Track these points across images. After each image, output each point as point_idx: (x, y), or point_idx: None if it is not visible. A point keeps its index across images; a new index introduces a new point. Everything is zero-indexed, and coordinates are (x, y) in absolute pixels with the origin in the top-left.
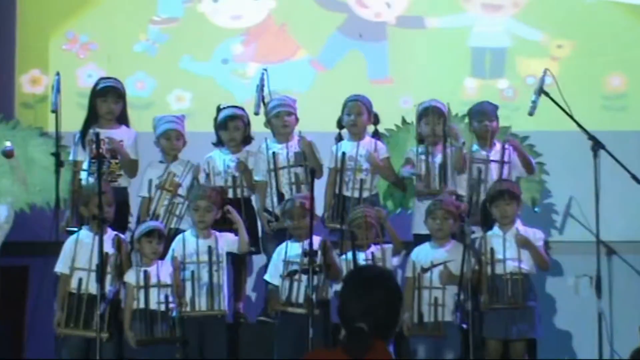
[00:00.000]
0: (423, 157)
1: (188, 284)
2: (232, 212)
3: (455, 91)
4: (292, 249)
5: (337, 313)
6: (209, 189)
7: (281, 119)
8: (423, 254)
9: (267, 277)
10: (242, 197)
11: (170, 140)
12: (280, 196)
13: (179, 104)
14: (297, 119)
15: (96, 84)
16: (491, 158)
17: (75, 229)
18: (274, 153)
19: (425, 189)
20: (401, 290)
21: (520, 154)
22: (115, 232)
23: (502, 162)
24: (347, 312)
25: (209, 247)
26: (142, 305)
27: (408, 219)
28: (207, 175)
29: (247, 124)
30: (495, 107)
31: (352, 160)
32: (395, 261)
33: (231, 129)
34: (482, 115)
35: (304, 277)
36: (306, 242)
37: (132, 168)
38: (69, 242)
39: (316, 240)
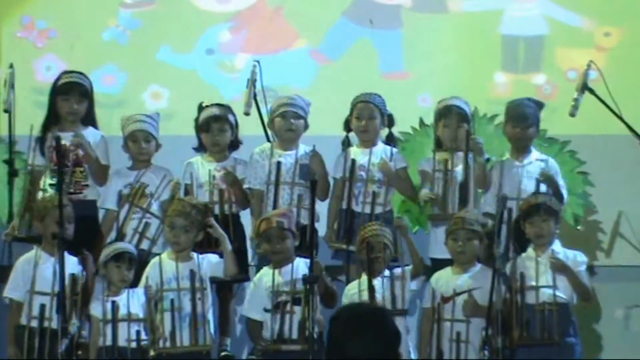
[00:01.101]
0: (439, 173)
1: (167, 316)
2: (214, 227)
3: (483, 88)
4: (276, 276)
5: (327, 354)
6: (189, 205)
7: (287, 120)
8: (444, 280)
9: (245, 312)
10: (231, 214)
11: (138, 142)
12: None
13: (156, 102)
14: (306, 125)
15: (57, 79)
16: (526, 168)
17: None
18: (278, 162)
19: (441, 214)
20: (398, 328)
21: (554, 188)
22: (77, 257)
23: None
24: (343, 353)
25: (191, 271)
26: (109, 342)
27: (426, 240)
28: (187, 187)
29: (235, 126)
30: (538, 108)
31: (363, 170)
32: (413, 285)
33: (215, 131)
34: (518, 119)
35: (297, 309)
36: (288, 268)
37: (102, 174)
38: (23, 261)
39: (302, 263)
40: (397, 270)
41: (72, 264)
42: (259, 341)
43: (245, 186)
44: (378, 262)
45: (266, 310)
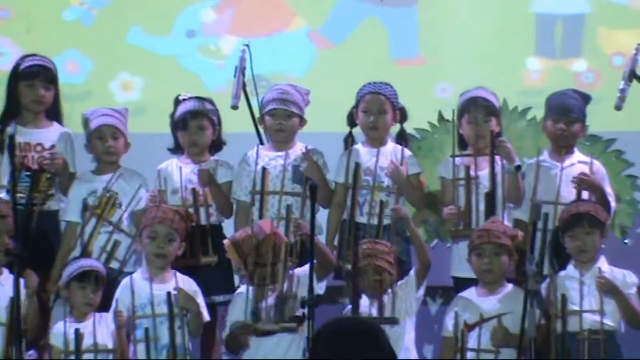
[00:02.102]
0: (461, 182)
1: (141, 347)
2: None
3: (514, 76)
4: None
5: None
6: (171, 210)
7: (276, 119)
8: (468, 304)
9: (225, 335)
10: (209, 223)
11: (104, 139)
12: None
13: (127, 94)
14: (302, 121)
15: (17, 64)
16: (566, 171)
17: None
18: (263, 169)
19: (464, 230)
20: (393, 349)
21: (597, 193)
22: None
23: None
24: None
25: (168, 293)
26: None
27: (446, 255)
28: (160, 192)
29: (218, 123)
30: (584, 100)
31: (370, 175)
32: (421, 291)
33: (193, 129)
34: (561, 112)
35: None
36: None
37: (69, 184)
38: None
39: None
40: (401, 281)
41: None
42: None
43: (232, 196)
44: (379, 286)
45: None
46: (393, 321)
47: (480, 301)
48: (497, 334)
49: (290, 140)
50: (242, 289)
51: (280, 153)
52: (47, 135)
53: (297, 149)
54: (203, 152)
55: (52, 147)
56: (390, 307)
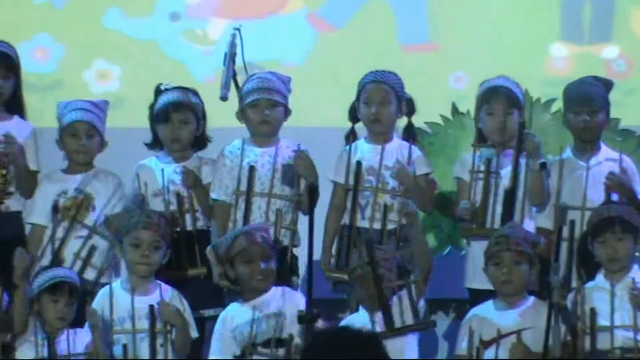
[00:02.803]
0: (480, 177)
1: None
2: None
3: (537, 64)
4: (244, 313)
5: None
6: (156, 214)
7: (259, 110)
8: (484, 318)
9: (213, 356)
10: (195, 229)
11: (78, 137)
12: None
13: (103, 84)
14: (287, 111)
15: None
16: (593, 169)
17: None
18: (251, 166)
19: (477, 228)
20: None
21: (626, 194)
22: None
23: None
24: None
25: (151, 307)
26: None
27: (461, 264)
28: (142, 196)
29: (202, 117)
30: (606, 87)
31: (373, 175)
32: (421, 303)
33: (175, 122)
34: (582, 102)
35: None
36: (260, 301)
37: (29, 183)
38: None
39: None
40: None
41: None
42: None
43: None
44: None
45: (236, 358)
46: (430, 325)
47: (498, 315)
48: (516, 351)
49: (276, 133)
50: (234, 306)
51: (266, 149)
52: (6, 129)
53: (283, 145)
54: (185, 148)
55: (8, 134)
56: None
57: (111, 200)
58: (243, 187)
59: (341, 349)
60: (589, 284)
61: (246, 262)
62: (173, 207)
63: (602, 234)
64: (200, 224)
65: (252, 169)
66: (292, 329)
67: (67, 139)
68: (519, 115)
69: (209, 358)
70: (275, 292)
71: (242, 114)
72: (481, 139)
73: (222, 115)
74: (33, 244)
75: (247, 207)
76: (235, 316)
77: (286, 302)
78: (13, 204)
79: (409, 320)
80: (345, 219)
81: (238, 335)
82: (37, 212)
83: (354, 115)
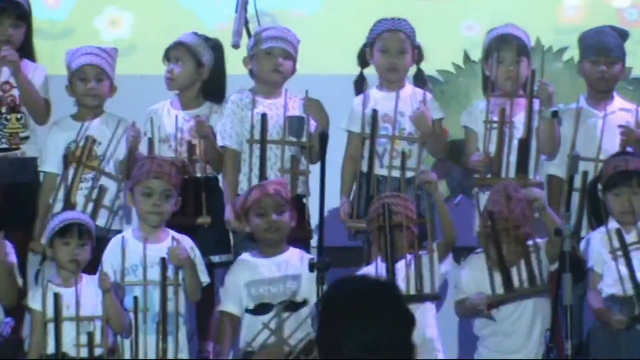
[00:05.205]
0: (494, 127)
1: (129, 317)
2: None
3: (548, 12)
4: (262, 268)
5: (321, 353)
6: (167, 163)
7: (274, 58)
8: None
9: (223, 307)
10: (205, 176)
11: (87, 80)
12: None
13: (114, 32)
14: (294, 69)
15: None
16: (607, 119)
17: None
18: (263, 114)
19: (492, 179)
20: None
21: None
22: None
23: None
24: (342, 353)
25: (162, 259)
26: (51, 350)
27: (472, 212)
28: (150, 141)
29: (210, 64)
30: (622, 37)
31: (389, 122)
32: (443, 268)
33: (172, 60)
34: (599, 52)
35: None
36: (279, 259)
37: (42, 111)
38: None
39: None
40: (423, 253)
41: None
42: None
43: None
44: (398, 239)
45: (247, 311)
46: (434, 298)
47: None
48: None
49: (282, 85)
50: (245, 256)
51: (272, 100)
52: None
53: (290, 96)
54: (186, 91)
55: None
56: (430, 282)
57: (113, 140)
58: (255, 137)
59: (362, 298)
60: (596, 235)
61: (259, 214)
62: (182, 154)
63: (618, 187)
64: (209, 171)
65: (264, 116)
66: (309, 294)
67: (76, 83)
68: (528, 63)
69: (220, 308)
70: (293, 254)
71: (250, 59)
72: (489, 89)
73: (231, 63)
74: (46, 192)
75: (262, 155)
76: (250, 269)
77: (303, 267)
78: (29, 149)
79: (412, 290)
80: (363, 167)
81: (253, 290)
82: (48, 160)
83: (363, 60)
